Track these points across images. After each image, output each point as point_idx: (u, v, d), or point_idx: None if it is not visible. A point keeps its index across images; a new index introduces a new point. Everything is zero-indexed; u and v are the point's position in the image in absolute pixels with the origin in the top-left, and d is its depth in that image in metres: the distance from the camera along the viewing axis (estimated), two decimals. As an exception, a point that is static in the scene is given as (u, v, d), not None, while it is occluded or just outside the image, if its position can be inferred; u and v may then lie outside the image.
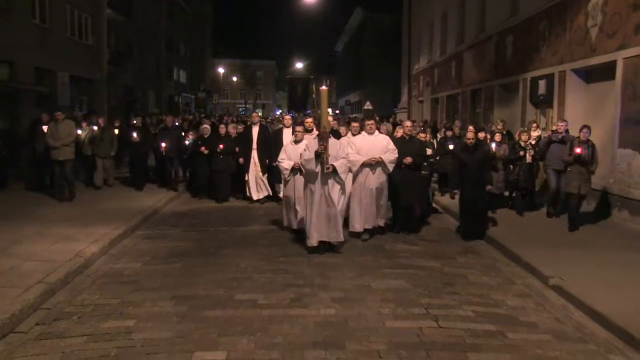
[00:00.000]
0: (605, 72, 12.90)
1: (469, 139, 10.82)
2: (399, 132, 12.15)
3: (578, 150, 10.80)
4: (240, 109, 75.14)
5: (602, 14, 12.84)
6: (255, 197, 14.32)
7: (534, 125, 14.20)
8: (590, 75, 14.14)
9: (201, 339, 5.76)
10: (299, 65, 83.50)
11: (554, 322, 6.57)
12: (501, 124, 15.02)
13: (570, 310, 6.99)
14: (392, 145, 10.44)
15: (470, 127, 12.52)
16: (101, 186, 15.81)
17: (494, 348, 5.71)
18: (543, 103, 16.51)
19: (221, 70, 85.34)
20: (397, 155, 10.37)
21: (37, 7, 22.13)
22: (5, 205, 12.58)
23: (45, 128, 14.19)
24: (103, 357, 5.33)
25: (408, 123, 12.22)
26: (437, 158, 14.64)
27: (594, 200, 12.77)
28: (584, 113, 14.01)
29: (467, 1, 24.55)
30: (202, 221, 12.16)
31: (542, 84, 16.26)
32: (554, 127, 12.66)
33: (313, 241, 9.25)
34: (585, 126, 11.19)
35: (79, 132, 15.31)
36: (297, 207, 10.32)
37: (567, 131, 12.26)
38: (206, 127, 15.59)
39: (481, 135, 12.40)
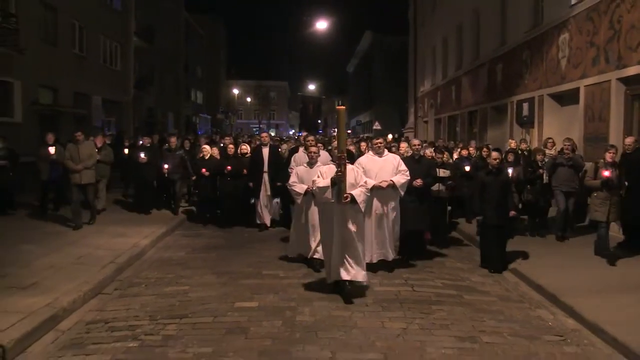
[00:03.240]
0: (573, 96, 15.03)
1: (494, 160, 9.94)
2: (402, 148, 11.79)
3: (606, 173, 9.94)
4: (254, 129, 77.42)
5: (569, 48, 15.04)
6: (267, 222, 13.25)
7: (550, 142, 14.05)
8: (563, 99, 16.29)
9: (239, 296, 7.97)
10: (312, 86, 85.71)
11: (504, 291, 8.72)
12: (525, 144, 14.80)
13: (520, 285, 9.12)
14: (403, 167, 9.39)
15: (488, 146, 13.46)
16: (100, 210, 14.38)
17: (451, 303, 7.87)
18: (527, 123, 18.64)
19: (235, 91, 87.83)
20: (409, 177, 9.34)
21: (77, 38, 24.74)
22: (60, 216, 14.58)
23: (51, 150, 13.68)
24: (170, 306, 7.53)
25: (416, 141, 11.27)
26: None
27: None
28: (558, 132, 16.02)
29: (463, 29, 26.84)
30: (228, 225, 14.05)
31: (525, 106, 18.45)
32: (561, 147, 12.46)
33: (330, 278, 8.21)
34: (612, 146, 10.60)
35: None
36: (310, 235, 9.49)
37: (573, 150, 12.15)
38: (206, 147, 14.51)
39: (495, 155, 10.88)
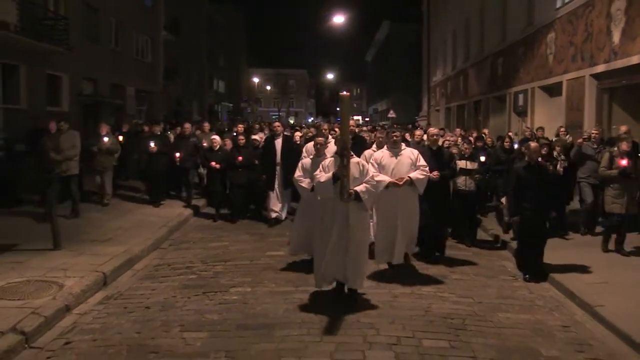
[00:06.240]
0: (559, 89, 17.04)
1: (535, 153, 8.96)
2: (417, 136, 10.83)
3: (623, 162, 9.43)
4: (274, 117, 79.45)
5: (555, 46, 17.06)
6: (279, 216, 12.63)
7: (562, 130, 13.41)
8: (552, 91, 18.29)
9: (269, 248, 10.31)
10: (330, 75, 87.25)
11: (478, 249, 10.72)
12: (541, 132, 14.06)
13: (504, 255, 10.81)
14: (422, 162, 8.77)
15: (510, 136, 13.67)
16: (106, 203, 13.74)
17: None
18: (522, 113, 20.66)
19: (256, 79, 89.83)
20: (428, 174, 8.76)
21: (113, 34, 27.11)
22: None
23: None
24: (215, 254, 9.83)
25: (433, 130, 10.89)
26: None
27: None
28: (548, 120, 17.96)
29: (471, 23, 28.79)
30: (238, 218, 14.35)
31: (520, 97, 20.48)
32: (587, 134, 11.65)
33: (321, 285, 7.50)
34: (626, 133, 10.35)
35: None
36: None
37: (601, 140, 11.41)
38: (215, 138, 13.50)
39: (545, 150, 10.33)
